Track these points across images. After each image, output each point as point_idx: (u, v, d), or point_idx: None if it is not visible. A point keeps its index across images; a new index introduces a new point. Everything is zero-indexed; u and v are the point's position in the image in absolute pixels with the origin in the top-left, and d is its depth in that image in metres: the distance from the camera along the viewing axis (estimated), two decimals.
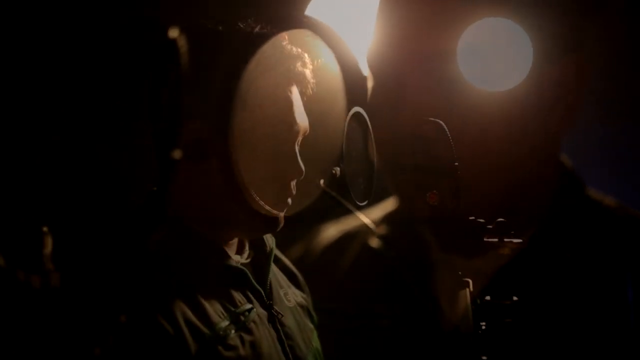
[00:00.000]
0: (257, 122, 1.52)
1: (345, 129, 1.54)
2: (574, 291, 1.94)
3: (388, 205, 2.21)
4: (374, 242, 2.18)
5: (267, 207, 1.54)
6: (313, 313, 1.71)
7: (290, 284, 1.70)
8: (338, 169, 1.55)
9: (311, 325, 1.68)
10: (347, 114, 1.56)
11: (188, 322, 1.47)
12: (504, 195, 1.96)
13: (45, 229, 1.42)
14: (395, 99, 2.02)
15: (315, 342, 1.66)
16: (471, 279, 1.99)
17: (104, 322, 1.41)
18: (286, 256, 1.77)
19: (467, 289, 1.51)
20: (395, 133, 2.01)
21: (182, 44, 1.39)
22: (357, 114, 1.57)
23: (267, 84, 1.52)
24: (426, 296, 2.10)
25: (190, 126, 1.49)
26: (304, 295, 1.71)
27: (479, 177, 1.84)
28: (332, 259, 2.18)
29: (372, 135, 1.59)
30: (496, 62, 1.94)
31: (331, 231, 2.24)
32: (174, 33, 1.41)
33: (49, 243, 1.42)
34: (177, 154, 1.46)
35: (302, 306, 1.68)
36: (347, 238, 2.21)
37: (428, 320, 2.09)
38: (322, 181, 1.55)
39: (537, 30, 1.92)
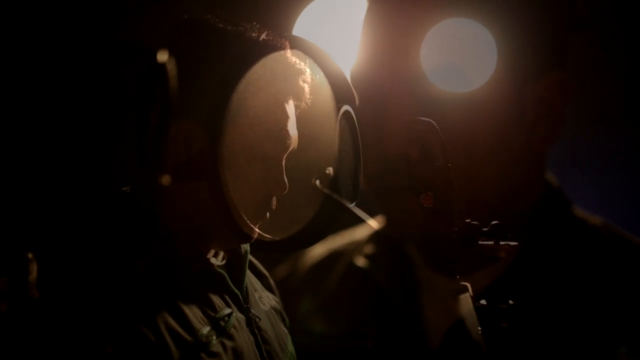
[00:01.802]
0: (251, 138, 1.49)
1: (338, 128, 1.52)
2: (563, 302, 1.92)
3: (374, 224, 2.18)
4: (361, 262, 2.15)
5: (256, 229, 1.51)
6: (285, 317, 1.67)
7: (263, 287, 1.66)
8: (331, 169, 1.52)
9: (285, 330, 1.64)
10: (336, 114, 1.54)
11: (170, 328, 1.42)
12: (487, 214, 1.93)
13: (30, 255, 1.39)
14: (379, 119, 2.01)
15: (290, 347, 1.62)
16: (457, 299, 1.97)
17: (88, 332, 1.39)
18: (273, 276, 1.73)
19: (468, 294, 1.46)
20: (379, 153, 2.00)
21: (172, 65, 1.38)
22: (346, 112, 1.54)
23: (267, 98, 1.49)
24: (412, 316, 2.06)
25: (179, 145, 1.47)
26: (277, 299, 1.67)
27: (461, 196, 1.82)
28: (318, 279, 2.15)
29: (360, 134, 1.57)
30: (460, 63, 1.93)
31: (317, 250, 2.21)
32: (162, 57, 1.39)
33: (34, 270, 1.39)
34: (165, 179, 1.44)
35: (275, 310, 1.64)
36: (333, 257, 2.18)
37: (414, 340, 2.05)
38: (317, 181, 1.52)
39: (517, 45, 1.92)
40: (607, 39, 2.41)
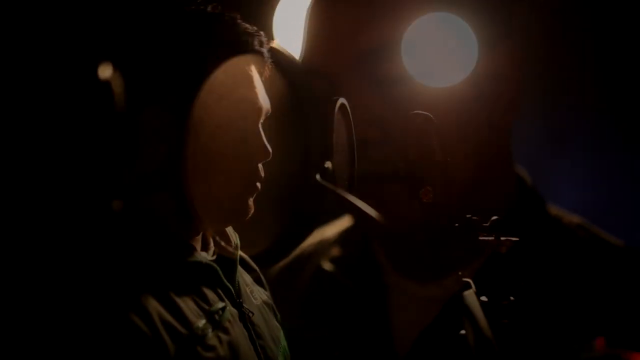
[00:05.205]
0: (219, 113, 1.47)
1: (335, 122, 1.49)
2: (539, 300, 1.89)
3: (343, 223, 2.12)
4: (328, 266, 2.08)
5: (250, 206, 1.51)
6: (277, 311, 1.65)
7: (253, 281, 1.63)
8: (330, 163, 1.48)
9: (277, 324, 1.62)
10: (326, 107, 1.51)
11: (164, 321, 1.38)
12: (455, 206, 1.86)
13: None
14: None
15: (283, 341, 1.60)
16: (425, 305, 1.93)
17: (80, 325, 1.35)
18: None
19: (472, 290, 1.43)
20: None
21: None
22: (341, 105, 1.52)
23: (227, 68, 1.47)
24: (380, 323, 2.01)
25: (146, 153, 1.45)
26: (267, 293, 1.65)
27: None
28: (286, 284, 2.07)
29: (353, 126, 1.53)
30: (440, 58, 1.86)
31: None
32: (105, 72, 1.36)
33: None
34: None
35: (267, 304, 1.62)
36: (301, 260, 2.11)
37: (382, 347, 2.00)
38: (318, 176, 1.48)
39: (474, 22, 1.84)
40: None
